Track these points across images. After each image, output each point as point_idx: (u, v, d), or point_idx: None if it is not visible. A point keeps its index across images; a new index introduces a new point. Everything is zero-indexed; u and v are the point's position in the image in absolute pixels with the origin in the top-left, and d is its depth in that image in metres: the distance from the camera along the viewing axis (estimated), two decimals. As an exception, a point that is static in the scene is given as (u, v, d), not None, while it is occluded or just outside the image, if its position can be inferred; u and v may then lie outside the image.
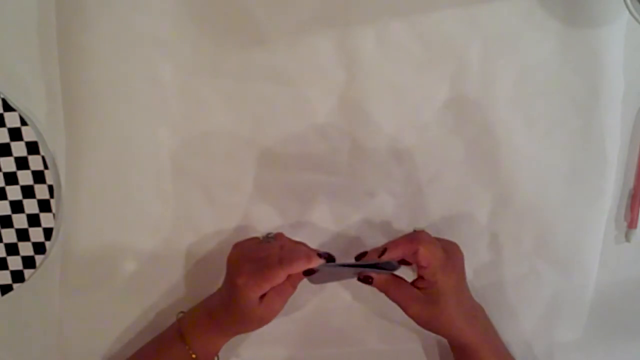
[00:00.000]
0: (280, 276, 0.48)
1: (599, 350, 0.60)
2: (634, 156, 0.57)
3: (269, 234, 0.55)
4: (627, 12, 0.48)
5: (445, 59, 0.54)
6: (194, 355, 0.51)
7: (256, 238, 0.54)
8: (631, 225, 0.58)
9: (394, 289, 0.51)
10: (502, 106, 0.55)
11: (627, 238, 0.58)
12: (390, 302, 0.52)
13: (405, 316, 0.54)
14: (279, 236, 0.54)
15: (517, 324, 0.59)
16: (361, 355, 0.60)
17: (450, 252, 0.52)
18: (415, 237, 0.50)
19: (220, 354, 0.54)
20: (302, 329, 0.59)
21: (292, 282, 0.50)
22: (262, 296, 0.49)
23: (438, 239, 0.52)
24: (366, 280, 0.51)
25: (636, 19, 0.48)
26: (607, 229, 0.58)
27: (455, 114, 0.55)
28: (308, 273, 0.49)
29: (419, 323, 0.52)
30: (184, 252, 0.57)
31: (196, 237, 0.57)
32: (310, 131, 0.55)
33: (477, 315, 0.54)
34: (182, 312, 0.54)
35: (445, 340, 0.55)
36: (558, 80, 0.54)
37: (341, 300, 0.59)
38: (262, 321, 0.50)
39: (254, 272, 0.48)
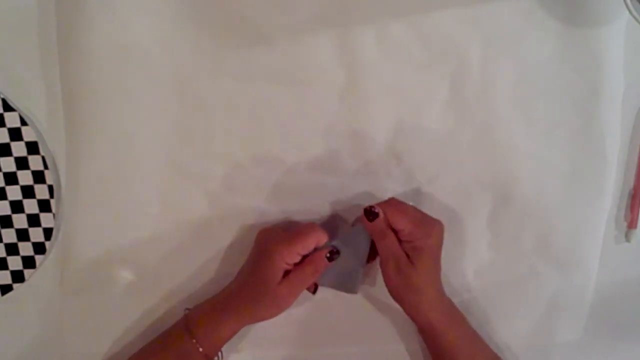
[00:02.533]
0: (310, 239, 0.51)
1: (599, 350, 0.60)
2: (634, 156, 0.57)
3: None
4: (627, 12, 0.48)
5: (445, 59, 0.54)
6: (200, 349, 0.51)
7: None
8: (631, 225, 0.58)
9: (385, 238, 0.51)
10: (502, 106, 0.55)
11: (627, 238, 0.58)
12: (390, 302, 0.53)
13: (405, 316, 0.54)
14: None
15: (517, 324, 0.59)
16: (361, 355, 0.60)
17: (428, 219, 0.52)
18: (387, 201, 0.52)
19: (223, 350, 0.54)
20: (302, 329, 0.59)
21: (314, 268, 0.51)
22: (285, 274, 0.51)
23: (420, 212, 0.53)
24: (372, 213, 0.51)
25: (636, 19, 0.48)
26: (607, 229, 0.58)
27: (455, 114, 0.55)
28: (330, 257, 0.51)
29: (391, 287, 0.52)
30: (184, 252, 0.57)
31: (196, 237, 0.57)
32: (310, 131, 0.55)
33: (447, 302, 0.54)
34: (188, 308, 0.54)
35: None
36: (558, 80, 0.54)
37: (341, 300, 0.59)
38: (276, 305, 0.52)
39: (284, 239, 0.51)
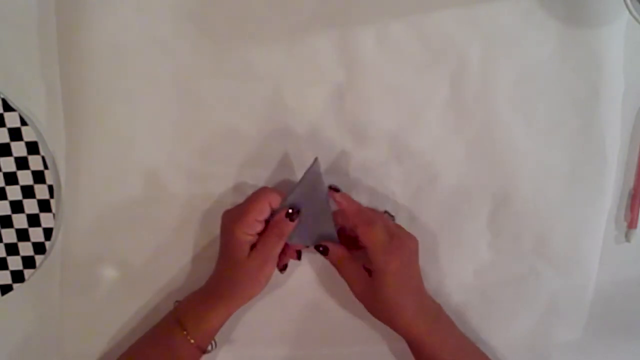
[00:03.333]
0: (261, 202, 0.50)
1: (599, 350, 0.60)
2: (634, 156, 0.57)
3: None
4: (627, 12, 0.48)
5: (445, 59, 0.54)
6: (192, 340, 0.51)
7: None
8: (631, 225, 0.58)
9: (344, 266, 0.52)
10: (502, 106, 0.55)
11: (627, 238, 0.58)
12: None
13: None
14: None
15: (516, 324, 0.59)
16: (361, 355, 0.60)
17: (398, 239, 0.51)
18: (362, 215, 0.51)
19: (215, 350, 0.54)
20: (301, 328, 0.59)
21: (278, 231, 0.50)
22: (252, 247, 0.50)
23: (396, 226, 0.52)
24: (324, 251, 0.52)
25: (636, 19, 0.48)
26: (607, 229, 0.58)
27: (455, 114, 0.55)
28: (291, 217, 0.50)
29: (365, 306, 0.52)
30: (184, 253, 0.57)
31: (196, 237, 0.57)
32: (310, 131, 0.55)
33: (431, 310, 0.53)
34: (177, 301, 0.54)
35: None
36: (558, 80, 0.54)
37: (340, 299, 0.59)
38: (252, 280, 0.51)
39: (239, 212, 0.50)
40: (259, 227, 0.51)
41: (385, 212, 0.56)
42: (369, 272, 0.51)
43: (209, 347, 0.54)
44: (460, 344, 0.54)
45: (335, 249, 0.52)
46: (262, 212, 0.50)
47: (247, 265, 0.50)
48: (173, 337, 0.51)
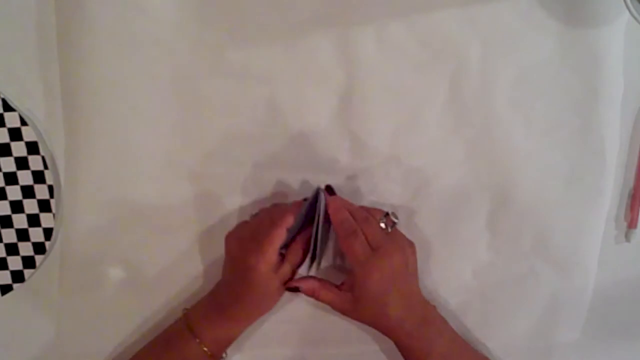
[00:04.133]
0: (279, 233, 0.50)
1: (599, 351, 0.60)
2: (634, 156, 0.57)
3: (253, 213, 0.55)
4: (627, 12, 0.48)
5: (444, 59, 0.54)
6: (206, 350, 0.51)
7: (244, 221, 0.55)
8: (631, 225, 0.58)
9: (322, 293, 0.52)
10: (501, 106, 0.55)
11: (627, 238, 0.58)
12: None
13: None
14: (262, 209, 0.55)
15: (515, 324, 0.59)
16: (361, 355, 0.60)
17: (381, 252, 0.50)
18: (345, 226, 0.51)
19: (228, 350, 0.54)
20: (302, 329, 0.59)
21: (294, 260, 0.52)
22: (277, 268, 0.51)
23: (384, 236, 0.51)
24: (294, 289, 0.53)
25: (636, 19, 0.48)
26: (607, 229, 0.58)
27: (455, 114, 0.55)
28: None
29: (352, 318, 0.53)
30: (184, 252, 0.57)
31: (196, 238, 0.57)
32: (310, 131, 0.55)
33: (420, 314, 0.52)
34: (186, 308, 0.54)
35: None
36: (558, 80, 0.54)
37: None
38: (273, 300, 0.53)
39: (256, 246, 0.50)
40: (278, 253, 0.51)
41: (387, 214, 0.53)
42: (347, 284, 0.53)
43: (223, 355, 0.54)
44: (450, 346, 0.53)
45: (307, 284, 0.53)
46: (281, 240, 0.51)
47: (274, 295, 0.52)
48: (186, 346, 0.51)
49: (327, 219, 0.52)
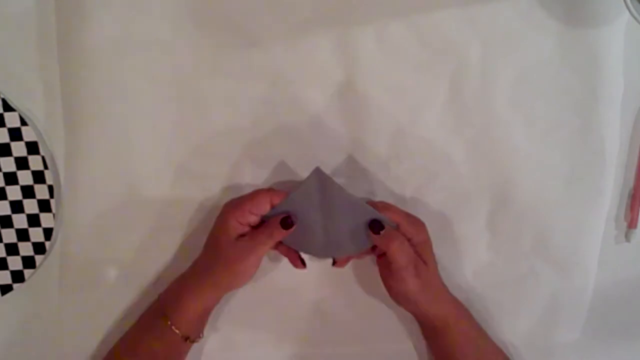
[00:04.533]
0: (260, 196, 0.50)
1: (598, 351, 0.60)
2: (634, 156, 0.57)
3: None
4: (627, 12, 0.48)
5: (444, 59, 0.54)
6: (177, 331, 0.51)
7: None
8: (631, 225, 0.58)
9: (399, 248, 0.50)
10: (501, 106, 0.55)
11: (627, 238, 0.58)
12: (389, 301, 0.53)
13: (405, 315, 0.54)
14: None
15: (515, 324, 0.59)
16: (361, 355, 0.60)
17: (412, 216, 0.52)
18: (373, 203, 0.51)
19: (215, 349, 0.54)
20: (302, 328, 0.59)
21: (268, 233, 0.50)
22: (240, 236, 0.50)
23: (401, 214, 0.52)
24: (377, 225, 0.50)
25: (636, 19, 0.48)
26: (607, 229, 0.58)
27: (455, 114, 0.55)
28: (285, 224, 0.50)
29: (408, 293, 0.51)
30: (184, 252, 0.57)
31: (196, 237, 0.57)
32: (309, 131, 0.55)
33: (451, 294, 0.54)
34: (160, 293, 0.54)
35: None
36: (557, 80, 0.54)
37: (341, 299, 0.59)
38: (232, 270, 0.50)
39: (237, 201, 0.51)
40: (253, 220, 0.51)
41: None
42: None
43: (197, 337, 0.53)
44: (481, 330, 0.55)
45: (390, 230, 0.50)
46: (259, 205, 0.50)
47: (228, 251, 0.50)
48: (159, 329, 0.51)
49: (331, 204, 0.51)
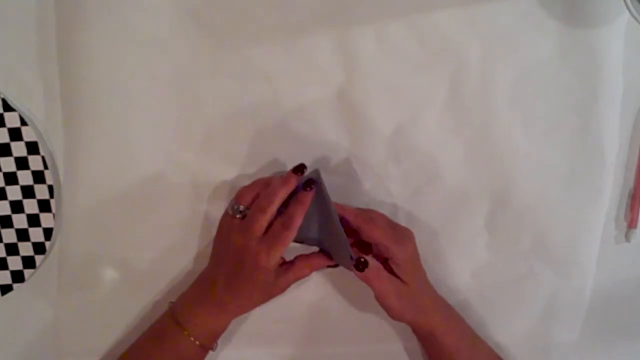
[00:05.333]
0: (289, 236, 0.49)
1: (598, 351, 0.60)
2: (634, 156, 0.57)
3: (232, 204, 0.53)
4: (627, 12, 0.48)
5: (444, 59, 0.54)
6: (197, 342, 0.51)
7: (225, 214, 0.53)
8: (631, 225, 0.58)
9: (377, 280, 0.51)
10: (501, 106, 0.55)
11: (627, 238, 0.58)
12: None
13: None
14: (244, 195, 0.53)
15: (514, 324, 0.59)
16: (361, 355, 0.60)
17: (399, 229, 0.53)
18: (362, 215, 0.52)
19: (215, 350, 0.54)
20: (302, 328, 0.59)
21: (306, 262, 0.52)
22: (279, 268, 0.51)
23: (389, 222, 0.53)
24: (362, 265, 0.50)
25: (636, 19, 0.48)
26: (607, 229, 0.58)
27: (454, 114, 0.55)
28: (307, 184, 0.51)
29: (395, 315, 0.52)
30: (184, 252, 0.57)
31: (196, 237, 0.57)
32: (309, 131, 0.55)
33: (444, 303, 0.54)
34: (171, 301, 0.54)
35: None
36: (557, 81, 0.54)
37: (341, 299, 0.59)
38: (274, 295, 0.52)
39: (266, 247, 0.49)
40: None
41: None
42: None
43: (215, 344, 0.54)
44: (474, 338, 0.55)
45: (373, 262, 0.51)
46: (290, 240, 0.50)
47: (269, 285, 0.51)
48: (175, 338, 0.51)
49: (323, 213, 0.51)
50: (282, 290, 0.52)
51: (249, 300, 0.52)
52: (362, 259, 0.50)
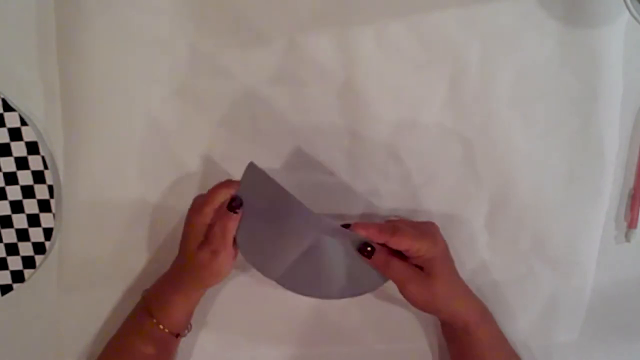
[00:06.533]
0: (219, 192, 0.49)
1: (597, 351, 0.60)
2: (634, 156, 0.57)
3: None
4: (627, 12, 0.48)
5: (444, 59, 0.54)
6: (165, 329, 0.51)
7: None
8: (631, 225, 0.58)
9: (393, 266, 0.49)
10: (500, 106, 0.55)
11: (627, 238, 0.58)
12: (390, 301, 0.53)
13: (404, 315, 0.54)
14: None
15: (514, 325, 0.59)
16: (361, 354, 0.60)
17: (425, 227, 0.51)
18: (385, 230, 0.49)
19: (215, 349, 0.54)
20: (302, 328, 0.59)
21: (220, 223, 0.49)
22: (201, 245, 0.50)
23: (412, 223, 0.52)
24: (367, 251, 0.49)
25: (636, 19, 0.48)
26: (607, 229, 0.58)
27: (454, 114, 0.55)
28: (231, 206, 0.49)
29: (415, 303, 0.50)
30: (183, 252, 0.57)
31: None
32: (309, 131, 0.55)
33: (471, 293, 0.53)
34: (145, 289, 0.54)
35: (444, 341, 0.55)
36: (557, 81, 0.54)
37: (341, 300, 0.59)
38: (207, 271, 0.50)
39: (200, 201, 0.50)
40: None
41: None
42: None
43: (185, 331, 0.54)
44: (502, 336, 0.54)
45: (381, 251, 0.49)
46: (219, 201, 0.49)
47: (197, 255, 0.50)
48: (146, 327, 0.51)
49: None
50: (216, 263, 0.49)
51: (195, 277, 0.51)
52: (369, 247, 0.49)
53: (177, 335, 0.53)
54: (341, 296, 0.51)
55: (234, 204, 0.49)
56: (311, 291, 0.51)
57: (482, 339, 0.51)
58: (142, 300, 0.53)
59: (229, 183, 0.50)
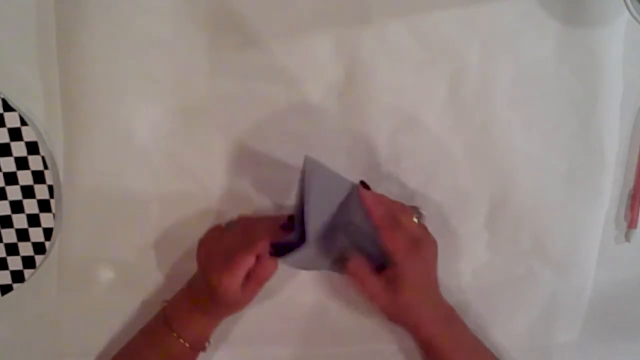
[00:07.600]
0: (248, 260, 0.48)
1: (597, 351, 0.60)
2: (634, 156, 0.57)
3: (230, 220, 0.55)
4: (627, 12, 0.48)
5: (444, 59, 0.54)
6: (186, 344, 0.51)
7: (219, 226, 0.54)
8: (631, 225, 0.58)
9: (366, 277, 0.50)
10: (500, 106, 0.55)
11: (627, 238, 0.58)
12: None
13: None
14: (241, 220, 0.54)
15: (514, 325, 0.59)
16: (361, 354, 0.60)
17: (420, 244, 0.50)
18: (387, 219, 0.49)
19: (214, 349, 0.54)
20: (302, 328, 0.59)
21: (265, 265, 0.49)
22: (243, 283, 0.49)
23: (420, 229, 0.51)
24: (343, 263, 0.50)
25: (636, 19, 0.48)
26: (607, 229, 0.58)
27: (454, 114, 0.55)
28: (274, 253, 0.49)
29: (385, 314, 0.51)
30: (183, 251, 0.57)
31: (195, 237, 0.57)
32: (309, 131, 0.55)
33: (446, 312, 0.53)
34: (165, 300, 0.54)
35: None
36: (557, 81, 0.54)
37: (340, 299, 0.59)
38: (245, 304, 0.52)
39: (223, 265, 0.49)
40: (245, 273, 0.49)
41: (417, 208, 0.53)
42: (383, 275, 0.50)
43: (205, 345, 0.54)
44: (474, 346, 0.54)
45: (354, 262, 0.50)
46: (250, 264, 0.49)
47: (239, 298, 0.50)
48: (165, 339, 0.51)
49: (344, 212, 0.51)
50: (254, 292, 0.51)
51: (223, 308, 0.52)
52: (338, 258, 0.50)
53: (195, 349, 0.52)
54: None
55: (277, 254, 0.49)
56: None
57: (448, 351, 0.51)
58: (162, 314, 0.53)
59: (257, 245, 0.49)
